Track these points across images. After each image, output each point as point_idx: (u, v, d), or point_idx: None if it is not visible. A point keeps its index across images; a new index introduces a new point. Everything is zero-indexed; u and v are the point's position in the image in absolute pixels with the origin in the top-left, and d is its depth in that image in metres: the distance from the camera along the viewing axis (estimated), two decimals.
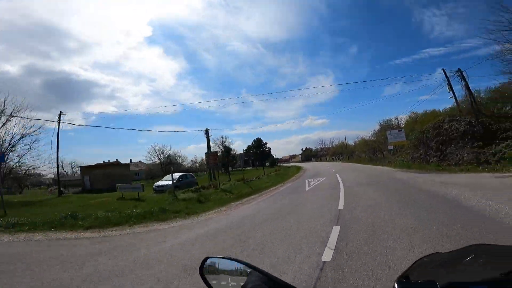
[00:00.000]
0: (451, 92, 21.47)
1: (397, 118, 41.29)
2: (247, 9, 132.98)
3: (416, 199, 7.32)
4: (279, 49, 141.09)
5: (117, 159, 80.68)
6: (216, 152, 19.89)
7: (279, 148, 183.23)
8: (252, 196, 13.64)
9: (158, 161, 47.77)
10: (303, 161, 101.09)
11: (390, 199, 7.57)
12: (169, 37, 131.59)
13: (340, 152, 62.98)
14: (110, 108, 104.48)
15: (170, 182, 19.20)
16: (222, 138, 65.21)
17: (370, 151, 40.62)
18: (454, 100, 21.30)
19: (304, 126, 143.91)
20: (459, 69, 19.15)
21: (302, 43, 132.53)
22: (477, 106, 17.59)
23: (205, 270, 0.92)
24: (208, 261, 0.93)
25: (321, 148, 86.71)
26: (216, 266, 0.93)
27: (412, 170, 16.09)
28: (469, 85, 18.19)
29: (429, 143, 17.62)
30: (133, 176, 48.64)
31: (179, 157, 68.74)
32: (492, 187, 7.74)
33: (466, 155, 14.37)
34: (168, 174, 26.34)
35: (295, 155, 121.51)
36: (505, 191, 6.92)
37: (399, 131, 30.57)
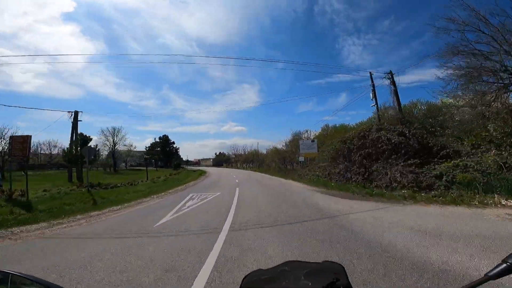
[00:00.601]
0: (374, 100, 19.19)
1: (307, 131, 39.92)
2: (193, 6, 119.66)
3: None
4: (213, 52, 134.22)
5: None
6: (26, 136, 10.69)
7: (194, 151, 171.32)
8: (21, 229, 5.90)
9: None
10: (214, 165, 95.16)
11: None
12: (94, 17, 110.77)
13: (251, 160, 59.55)
14: None
15: None
16: (114, 129, 51.77)
17: (280, 161, 37.60)
18: (375, 109, 18.97)
19: (223, 131, 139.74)
20: (390, 72, 16.59)
21: (237, 50, 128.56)
22: (403, 115, 14.97)
23: None
24: None
25: (234, 154, 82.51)
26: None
27: (335, 192, 11.55)
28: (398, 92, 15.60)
29: (352, 157, 13.79)
30: None
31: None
32: None
33: (399, 175, 10.64)
34: None
35: (207, 159, 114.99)
36: None
37: (312, 141, 27.92)
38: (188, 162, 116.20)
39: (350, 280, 0.73)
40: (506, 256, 0.52)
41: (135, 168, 63.08)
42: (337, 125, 33.64)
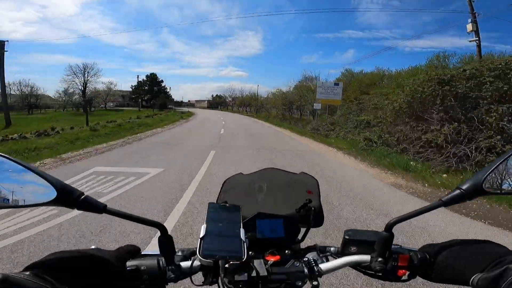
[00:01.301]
0: (474, 33, 11.35)
1: (318, 78, 30.23)
2: None
3: None
4: None
5: None
6: None
7: (192, 93, 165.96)
8: None
9: None
10: (208, 108, 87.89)
11: None
12: None
13: (249, 104, 51.17)
14: None
15: None
16: (84, 66, 41.30)
17: (285, 107, 29.59)
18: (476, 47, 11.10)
19: (222, 75, 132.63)
20: None
21: None
22: None
23: None
24: None
25: (231, 98, 73.33)
26: None
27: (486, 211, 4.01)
28: None
29: (471, 115, 6.05)
30: None
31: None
32: None
33: None
34: None
35: (203, 101, 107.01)
36: None
37: (335, 84, 19.69)
38: (182, 103, 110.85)
39: None
40: (461, 183, 0.50)
41: (114, 108, 54.48)
42: (364, 72, 24.36)
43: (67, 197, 0.45)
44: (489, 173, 0.46)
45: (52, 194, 0.45)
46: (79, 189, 0.46)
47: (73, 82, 40.81)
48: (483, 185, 0.46)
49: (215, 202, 0.65)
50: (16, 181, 0.46)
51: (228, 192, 0.73)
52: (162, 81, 70.26)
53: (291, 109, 29.09)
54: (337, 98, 18.88)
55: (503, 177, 0.47)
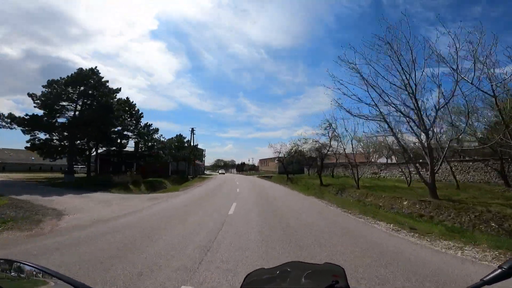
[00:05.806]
0: None
1: None
2: (254, 13, 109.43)
3: None
4: (281, 56, 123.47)
5: None
6: None
7: (268, 153, 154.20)
8: None
9: None
10: (280, 173, 50.57)
11: None
12: (173, 33, 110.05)
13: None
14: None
15: None
16: None
17: None
18: None
19: (297, 135, 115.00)
20: None
21: (305, 52, 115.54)
22: None
23: None
24: None
25: (318, 152, 32.94)
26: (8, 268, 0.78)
27: None
28: None
29: None
30: None
31: None
32: None
33: None
34: None
35: (270, 160, 70.11)
36: None
37: None
38: (244, 166, 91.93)
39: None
40: (503, 263, 0.52)
41: None
42: None
43: None
44: None
45: None
46: None
47: None
48: None
49: None
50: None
51: (250, 284, 0.71)
52: (141, 113, 31.08)
53: None
54: None
55: None
